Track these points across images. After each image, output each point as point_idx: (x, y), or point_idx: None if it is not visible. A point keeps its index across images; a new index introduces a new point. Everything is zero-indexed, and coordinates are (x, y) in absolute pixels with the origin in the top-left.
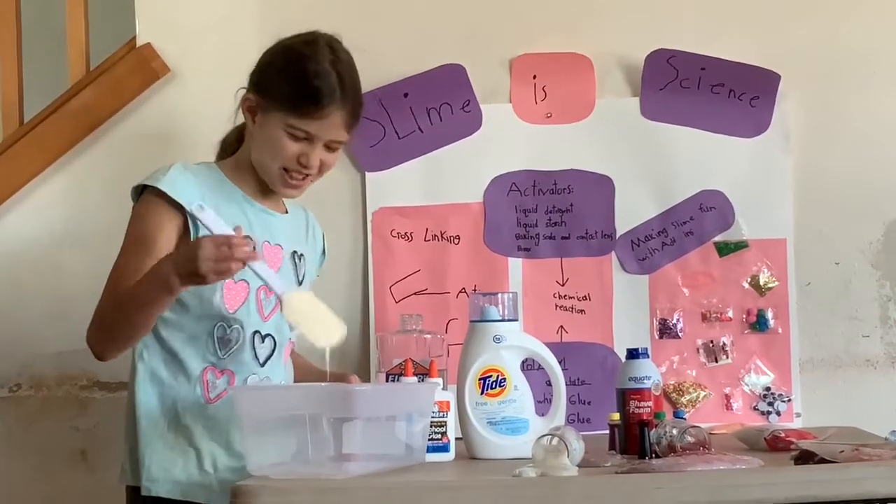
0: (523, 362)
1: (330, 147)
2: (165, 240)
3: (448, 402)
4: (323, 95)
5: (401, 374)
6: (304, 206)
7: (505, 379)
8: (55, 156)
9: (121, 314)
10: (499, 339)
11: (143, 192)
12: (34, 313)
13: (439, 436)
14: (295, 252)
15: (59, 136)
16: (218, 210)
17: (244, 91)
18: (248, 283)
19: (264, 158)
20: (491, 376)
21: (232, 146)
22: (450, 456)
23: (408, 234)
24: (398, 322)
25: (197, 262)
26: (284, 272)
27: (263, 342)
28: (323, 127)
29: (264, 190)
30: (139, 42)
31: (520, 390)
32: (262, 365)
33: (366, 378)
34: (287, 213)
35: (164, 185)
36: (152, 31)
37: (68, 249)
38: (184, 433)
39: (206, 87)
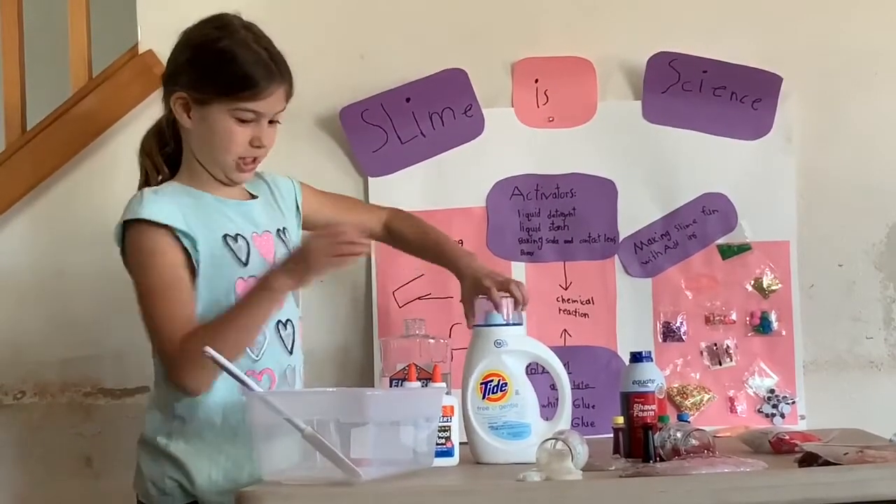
0: (528, 366)
1: (272, 122)
2: (181, 266)
3: (452, 407)
4: (262, 76)
5: (404, 379)
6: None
7: (506, 383)
8: (58, 163)
9: (225, 341)
10: (499, 343)
11: (127, 229)
12: (38, 320)
13: (443, 440)
14: (279, 230)
15: (61, 143)
16: (206, 223)
17: (171, 93)
18: (256, 277)
19: (215, 152)
20: (492, 381)
21: (168, 148)
22: (454, 461)
23: None
24: (401, 327)
25: (311, 257)
26: (280, 255)
27: (286, 328)
28: (268, 104)
29: (226, 183)
30: (141, 49)
31: (521, 395)
32: (291, 353)
33: (369, 384)
34: (255, 196)
35: (146, 214)
36: (154, 38)
37: (72, 257)
38: (242, 441)
39: None
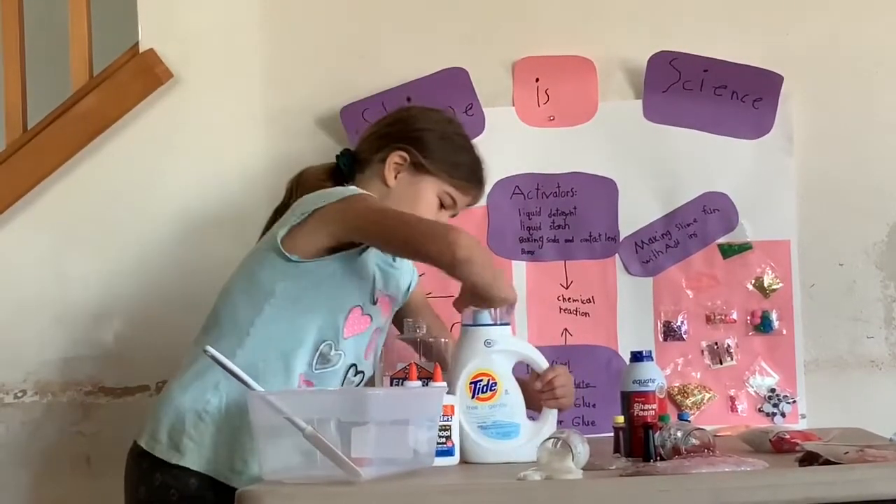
0: (516, 366)
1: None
2: None
3: (452, 406)
4: (483, 176)
5: (405, 379)
6: None
7: (496, 383)
8: (58, 162)
9: (396, 227)
10: (489, 343)
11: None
12: (38, 319)
13: (444, 440)
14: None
15: (62, 142)
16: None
17: (391, 148)
18: (370, 318)
19: None
20: (482, 380)
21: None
22: (454, 460)
23: None
24: (402, 326)
25: (498, 279)
26: (388, 322)
27: (356, 376)
28: (467, 201)
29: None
30: (142, 48)
31: (511, 394)
32: None
33: (370, 383)
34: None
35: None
36: (155, 37)
37: (72, 255)
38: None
39: (209, 93)
